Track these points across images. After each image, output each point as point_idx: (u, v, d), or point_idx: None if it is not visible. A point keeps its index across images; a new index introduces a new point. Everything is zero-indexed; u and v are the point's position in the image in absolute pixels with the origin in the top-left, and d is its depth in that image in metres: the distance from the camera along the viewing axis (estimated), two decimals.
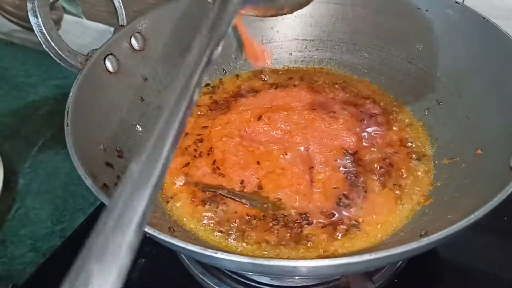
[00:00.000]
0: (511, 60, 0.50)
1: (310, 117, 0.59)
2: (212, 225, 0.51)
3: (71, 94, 0.51)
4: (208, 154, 0.57)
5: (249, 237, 0.49)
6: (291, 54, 0.68)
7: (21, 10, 0.96)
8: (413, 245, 0.35)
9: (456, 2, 0.57)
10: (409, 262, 0.54)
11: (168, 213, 0.52)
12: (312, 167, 0.54)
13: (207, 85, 0.67)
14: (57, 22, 0.81)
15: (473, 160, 0.49)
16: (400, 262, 0.54)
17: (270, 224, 0.50)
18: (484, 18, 0.54)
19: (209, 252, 0.36)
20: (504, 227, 0.57)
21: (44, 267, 0.61)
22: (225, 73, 0.68)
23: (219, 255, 0.36)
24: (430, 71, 0.60)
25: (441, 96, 0.58)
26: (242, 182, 0.54)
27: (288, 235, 0.48)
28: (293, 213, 0.50)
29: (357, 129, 0.58)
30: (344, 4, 0.64)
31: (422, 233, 0.44)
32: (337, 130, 0.57)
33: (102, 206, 0.42)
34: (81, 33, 0.90)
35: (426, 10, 0.59)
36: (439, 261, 0.55)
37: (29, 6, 0.51)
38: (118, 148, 0.54)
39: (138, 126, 0.59)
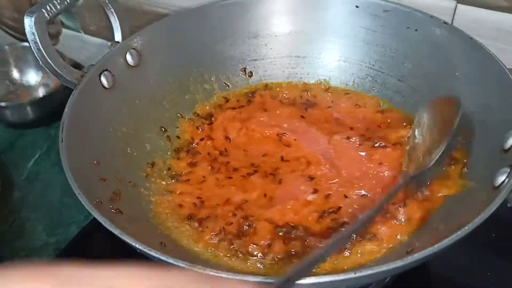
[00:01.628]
0: (497, 81, 0.51)
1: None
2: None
3: (66, 110, 0.52)
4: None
5: (239, 252, 0.49)
6: (283, 71, 0.69)
7: (20, 23, 0.97)
8: (397, 263, 0.36)
9: (445, 23, 0.58)
10: (399, 276, 0.55)
11: (160, 227, 0.53)
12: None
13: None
14: (56, 37, 0.82)
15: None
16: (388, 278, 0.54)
17: (264, 239, 0.50)
18: (471, 38, 0.55)
19: (197, 269, 0.37)
20: (491, 243, 0.58)
21: None
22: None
23: (208, 271, 0.37)
24: (419, 89, 0.61)
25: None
26: None
27: (282, 252, 0.49)
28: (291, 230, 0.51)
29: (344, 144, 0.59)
30: (336, 23, 0.66)
31: (409, 250, 0.45)
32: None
33: (96, 220, 0.43)
34: (79, 47, 0.92)
35: (416, 30, 0.60)
36: (428, 275, 0.56)
37: (26, 23, 0.52)
38: (111, 163, 0.55)
39: (132, 141, 0.60)
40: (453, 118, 0.52)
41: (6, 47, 0.86)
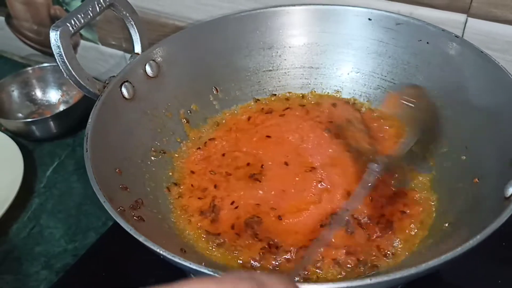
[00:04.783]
0: (506, 94, 0.52)
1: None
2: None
3: (90, 120, 0.54)
4: None
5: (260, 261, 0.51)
6: (297, 81, 0.71)
7: (39, 35, 1.00)
8: (411, 270, 0.37)
9: (456, 36, 0.59)
10: (410, 284, 0.56)
11: (179, 234, 0.55)
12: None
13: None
14: (74, 48, 0.84)
15: (471, 189, 0.51)
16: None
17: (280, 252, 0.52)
18: (482, 52, 0.56)
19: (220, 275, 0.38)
20: (502, 251, 0.59)
21: (57, 285, 0.63)
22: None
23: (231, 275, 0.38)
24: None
25: (441, 125, 0.60)
26: None
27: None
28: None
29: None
30: (349, 35, 0.67)
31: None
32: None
33: (114, 226, 0.45)
34: (96, 58, 0.94)
35: (427, 43, 0.61)
36: (440, 282, 0.57)
37: (52, 36, 0.54)
38: (132, 171, 0.57)
39: (152, 150, 0.61)
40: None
41: (29, 68, 0.91)
